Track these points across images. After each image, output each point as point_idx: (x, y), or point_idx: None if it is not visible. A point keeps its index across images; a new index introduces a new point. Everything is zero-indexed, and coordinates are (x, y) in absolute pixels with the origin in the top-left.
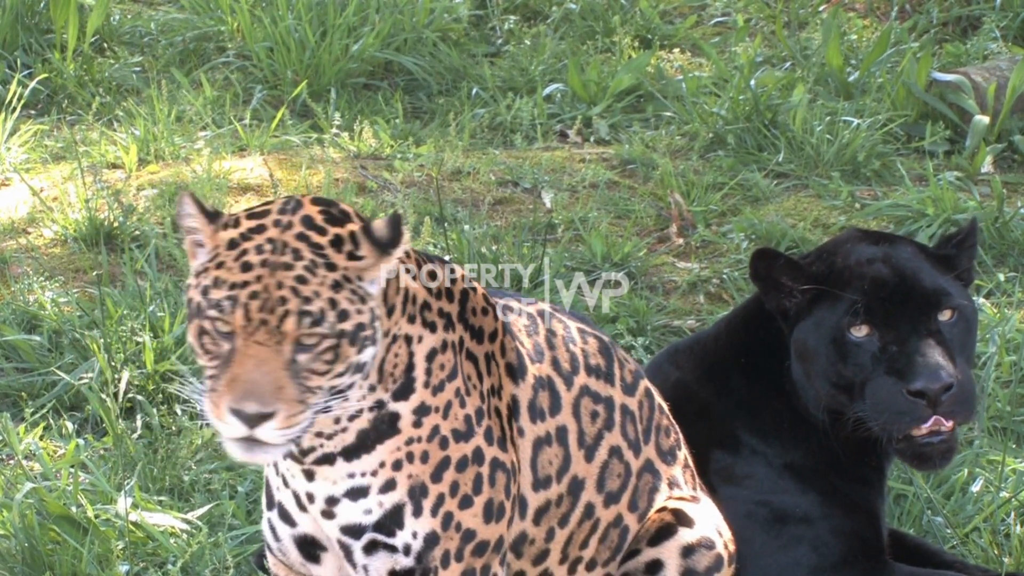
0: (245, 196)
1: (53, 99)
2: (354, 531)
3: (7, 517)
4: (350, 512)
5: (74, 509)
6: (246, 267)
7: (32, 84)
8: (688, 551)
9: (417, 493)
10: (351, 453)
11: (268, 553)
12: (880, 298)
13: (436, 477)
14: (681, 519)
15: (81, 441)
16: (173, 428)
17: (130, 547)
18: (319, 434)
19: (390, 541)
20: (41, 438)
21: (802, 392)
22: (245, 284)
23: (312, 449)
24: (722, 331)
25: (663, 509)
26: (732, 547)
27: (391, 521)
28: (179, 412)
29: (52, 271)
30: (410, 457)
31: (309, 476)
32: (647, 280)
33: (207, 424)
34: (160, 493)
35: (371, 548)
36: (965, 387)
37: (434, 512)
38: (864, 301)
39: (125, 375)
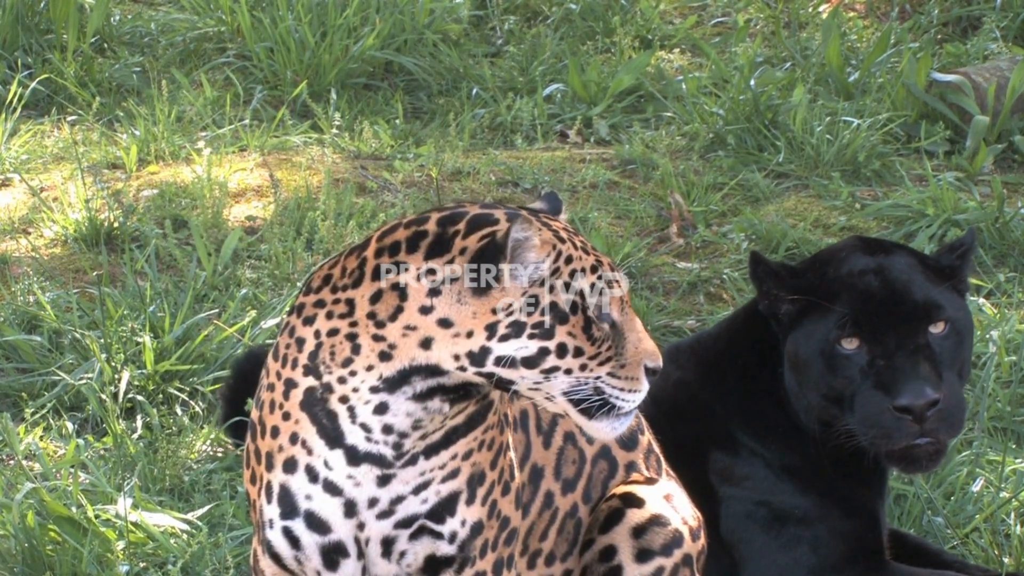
0: (245, 196)
1: (53, 99)
2: (407, 522)
3: (7, 517)
4: (410, 505)
5: (74, 509)
6: (586, 250)
7: (32, 84)
8: (639, 531)
9: (475, 481)
10: (431, 450)
11: (268, 563)
12: (868, 311)
13: (493, 464)
14: (629, 501)
15: (81, 441)
16: (173, 428)
17: (130, 547)
18: (424, 435)
19: (437, 528)
20: (41, 438)
21: (794, 401)
22: (600, 263)
23: (409, 451)
24: (723, 331)
25: (612, 496)
26: (695, 522)
27: (444, 509)
28: (179, 412)
29: (52, 271)
30: (481, 445)
31: (384, 481)
32: (647, 280)
33: (207, 424)
34: (160, 493)
35: (417, 534)
36: (951, 403)
37: (484, 500)
38: (853, 314)
39: (125, 375)
